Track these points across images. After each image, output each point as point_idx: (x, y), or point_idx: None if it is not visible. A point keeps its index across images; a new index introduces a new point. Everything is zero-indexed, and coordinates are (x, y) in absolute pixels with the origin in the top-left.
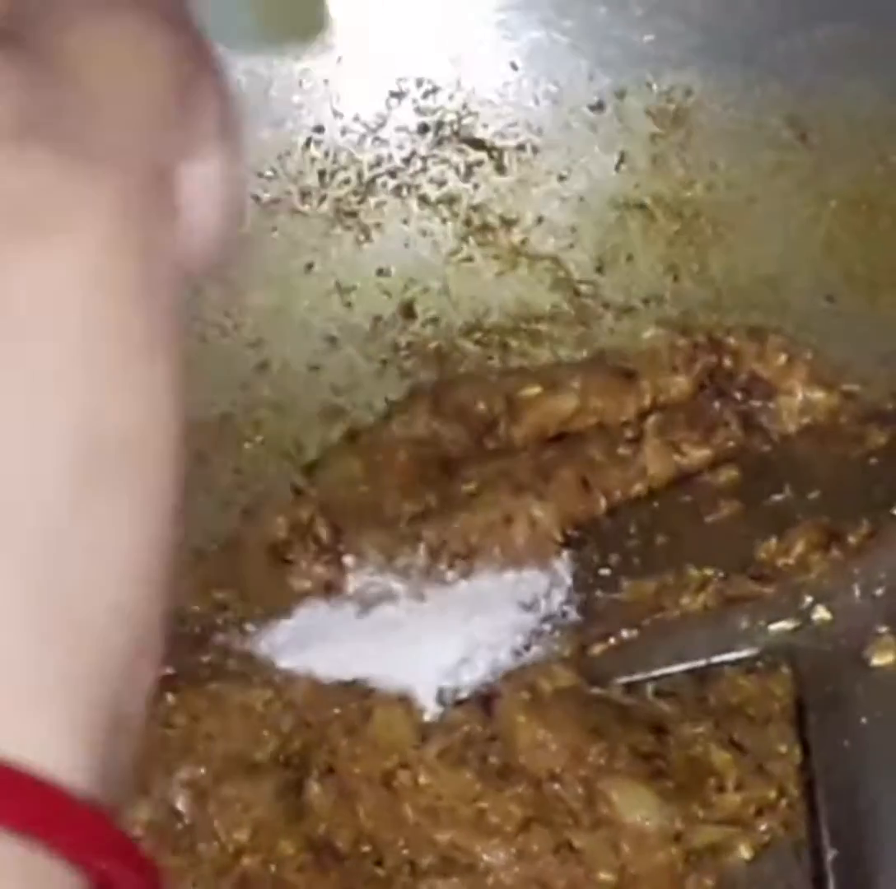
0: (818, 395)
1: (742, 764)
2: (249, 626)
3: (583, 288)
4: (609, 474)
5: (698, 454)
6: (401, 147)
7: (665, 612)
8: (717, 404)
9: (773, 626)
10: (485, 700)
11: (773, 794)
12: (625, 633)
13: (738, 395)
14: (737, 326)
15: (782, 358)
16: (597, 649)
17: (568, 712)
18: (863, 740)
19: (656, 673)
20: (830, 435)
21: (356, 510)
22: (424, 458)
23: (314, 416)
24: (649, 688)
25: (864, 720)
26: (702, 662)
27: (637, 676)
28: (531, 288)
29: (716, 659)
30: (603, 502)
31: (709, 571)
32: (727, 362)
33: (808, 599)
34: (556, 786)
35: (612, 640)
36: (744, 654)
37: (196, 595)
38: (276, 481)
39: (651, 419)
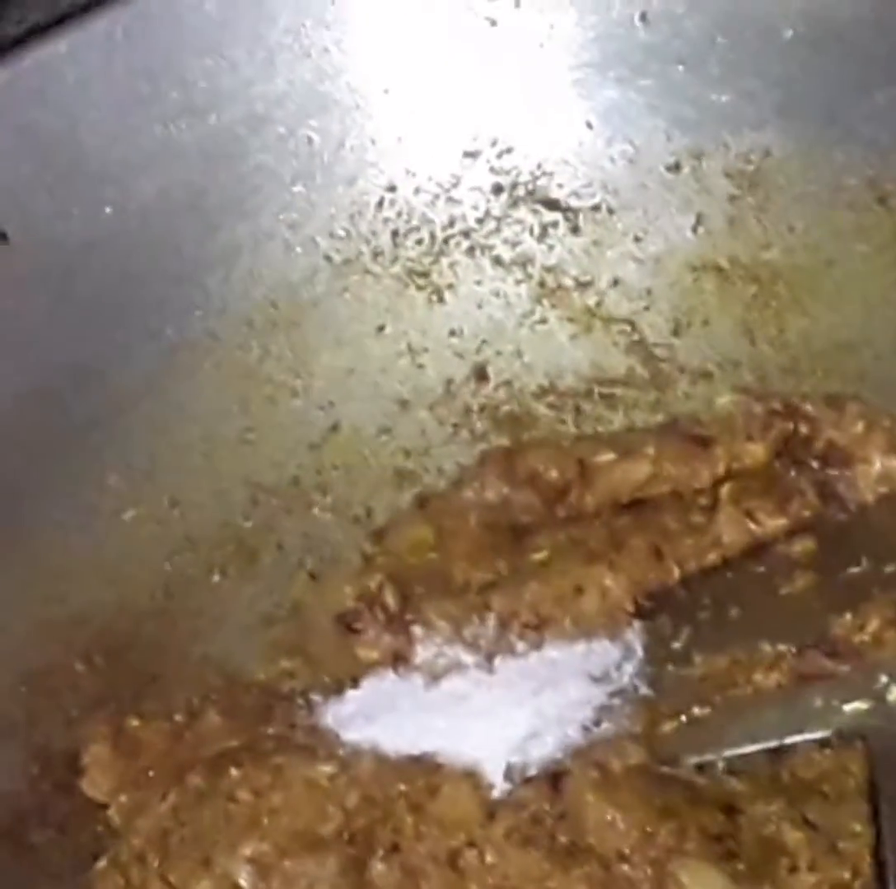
0: None
1: (815, 843)
2: (315, 697)
3: (658, 351)
4: (683, 543)
5: (773, 523)
6: (475, 207)
7: (737, 690)
8: (793, 472)
9: (848, 706)
10: (553, 778)
11: (847, 875)
12: (696, 711)
13: (815, 464)
14: (814, 393)
15: (860, 425)
16: (667, 727)
17: (638, 791)
18: None
19: (728, 753)
20: None
21: (425, 578)
22: (495, 524)
23: (384, 481)
24: (720, 764)
25: None
26: (774, 743)
27: (708, 756)
28: (605, 351)
29: (788, 739)
30: (676, 572)
31: (782, 647)
32: (804, 429)
33: (884, 679)
34: (625, 866)
35: (683, 718)
36: (817, 734)
37: (262, 663)
38: (345, 546)
39: (726, 487)
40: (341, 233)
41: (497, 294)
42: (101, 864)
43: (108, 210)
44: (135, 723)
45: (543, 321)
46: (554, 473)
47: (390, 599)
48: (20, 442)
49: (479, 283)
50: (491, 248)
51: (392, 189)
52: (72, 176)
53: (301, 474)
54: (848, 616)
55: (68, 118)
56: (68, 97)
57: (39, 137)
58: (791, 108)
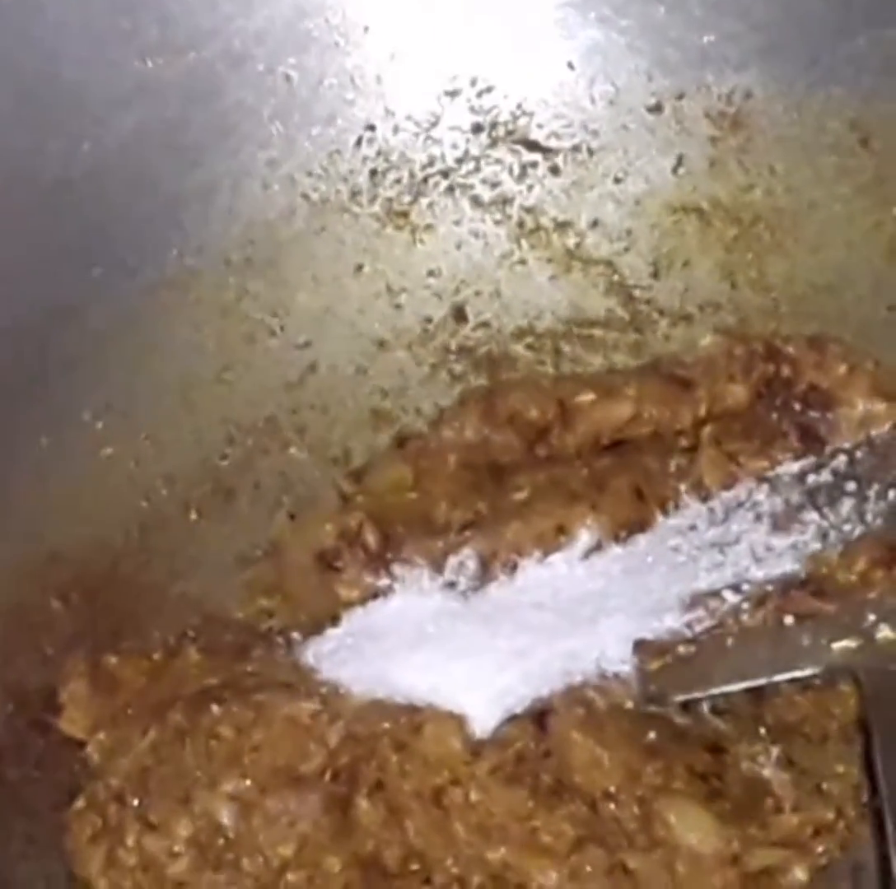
0: (879, 405)
1: (800, 784)
2: (295, 635)
3: (638, 293)
4: (664, 484)
5: (755, 465)
6: (454, 146)
7: (724, 629)
8: (774, 414)
9: (836, 645)
10: (539, 716)
11: (830, 816)
12: (682, 650)
13: (797, 406)
14: (796, 335)
15: (842, 368)
16: (654, 666)
17: (623, 730)
18: None
19: (714, 691)
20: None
21: (405, 518)
22: (475, 465)
23: (362, 421)
24: (705, 706)
25: None
26: (762, 681)
27: (695, 694)
28: (585, 292)
29: (776, 677)
30: (657, 513)
31: (769, 586)
32: (785, 371)
33: (872, 617)
34: (611, 805)
35: (668, 657)
36: (806, 672)
37: (240, 601)
38: (322, 486)
39: (707, 428)
40: (319, 171)
41: (476, 234)
42: (79, 803)
43: (85, 146)
44: (112, 660)
45: (522, 262)
46: (534, 413)
47: (370, 538)
48: None
49: (457, 223)
50: (470, 187)
51: (371, 128)
52: (49, 112)
53: (278, 414)
54: (835, 555)
55: (47, 54)
56: (47, 33)
57: (18, 73)
58: (773, 50)
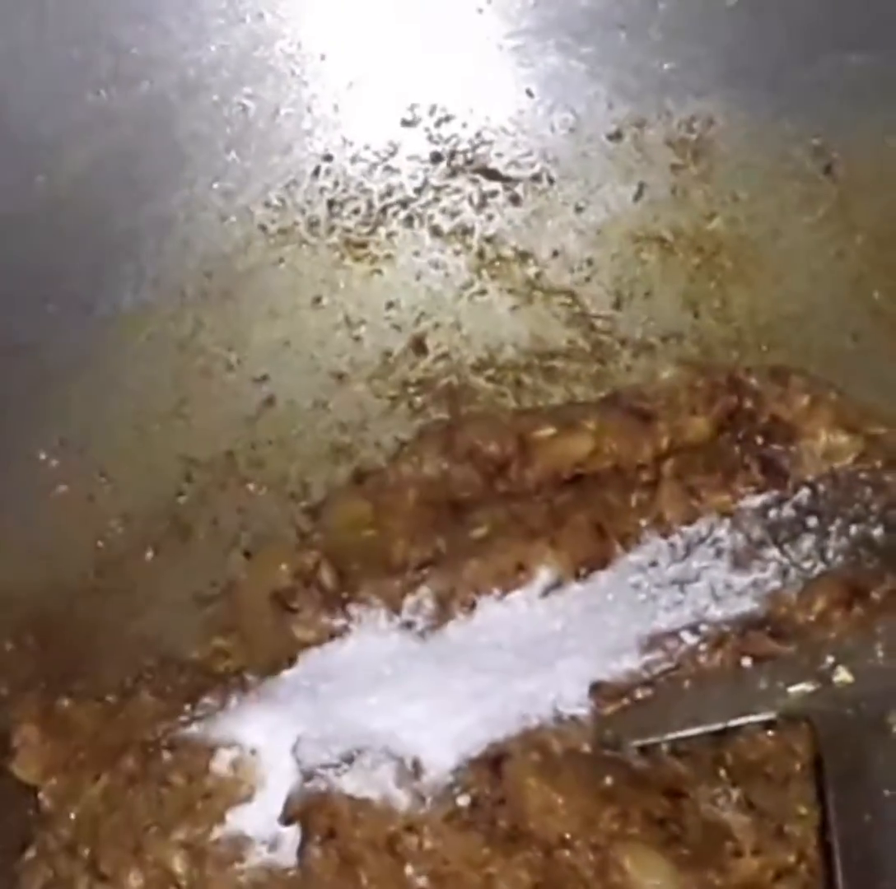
0: (842, 438)
1: (760, 827)
2: (250, 676)
3: (599, 324)
4: (625, 519)
5: (716, 499)
6: (413, 176)
7: (681, 671)
8: (736, 448)
9: (793, 688)
10: (494, 761)
11: (792, 859)
12: (639, 693)
13: (759, 439)
14: (758, 366)
15: (805, 399)
16: (610, 709)
17: (580, 775)
18: (884, 814)
19: (672, 735)
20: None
21: (362, 555)
22: (434, 500)
23: (320, 455)
24: (664, 747)
25: (886, 792)
26: (718, 725)
27: (651, 739)
28: (546, 323)
29: (733, 722)
30: (618, 548)
31: (726, 627)
32: (748, 404)
33: (830, 660)
34: (567, 852)
35: (625, 701)
36: (762, 717)
37: (196, 642)
38: (280, 522)
39: (668, 462)
40: (276, 202)
41: (435, 265)
42: (30, 854)
43: (39, 178)
44: (66, 703)
45: (483, 293)
46: (493, 448)
47: (327, 577)
48: None
49: (417, 253)
50: (429, 218)
51: (328, 158)
52: (2, 145)
53: (236, 449)
54: (794, 594)
55: None
56: None
57: None
58: (735, 75)
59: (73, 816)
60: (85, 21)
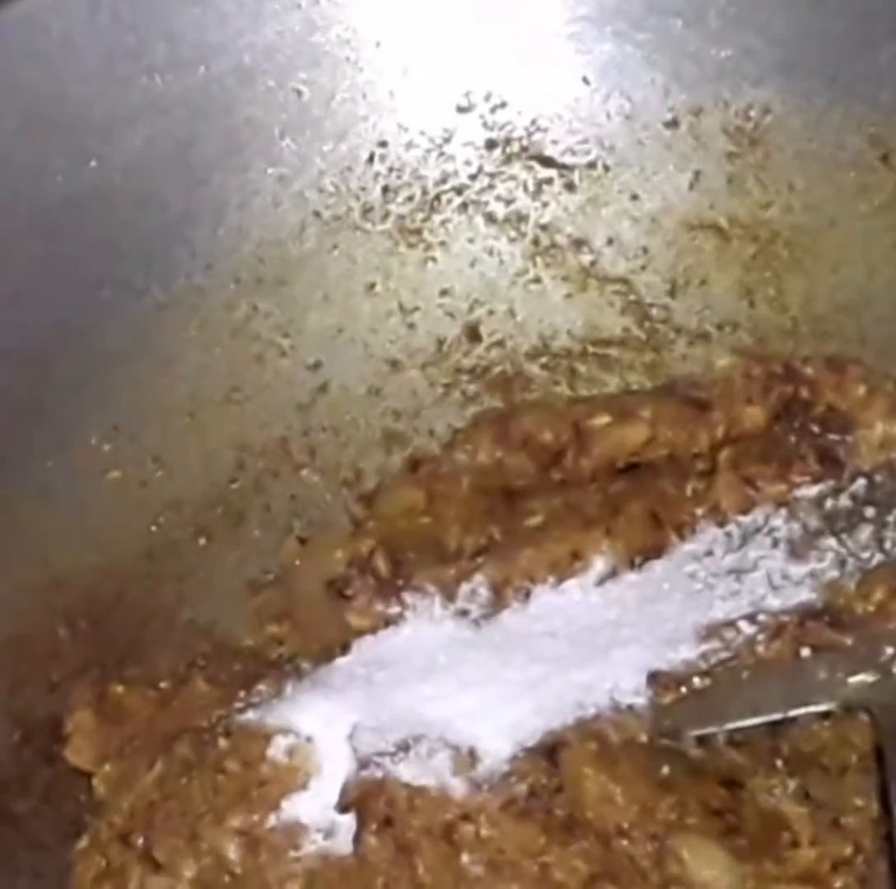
0: None
1: (817, 818)
2: (304, 663)
3: (654, 312)
4: (680, 508)
5: (773, 489)
6: (467, 163)
7: (739, 661)
8: (792, 437)
9: (852, 679)
10: (551, 750)
11: (848, 850)
12: (697, 683)
13: (815, 428)
14: (814, 356)
15: (861, 389)
16: (668, 699)
17: (637, 765)
18: None
19: (729, 726)
20: None
21: (417, 543)
22: (488, 489)
23: (374, 443)
24: (721, 737)
25: None
26: (777, 715)
27: (709, 729)
28: (601, 311)
29: (791, 712)
30: (673, 538)
31: (785, 618)
32: (804, 393)
33: (889, 651)
34: (624, 841)
35: (683, 690)
36: (821, 707)
37: (249, 628)
38: (334, 509)
39: (724, 452)
40: (331, 188)
41: (490, 252)
42: (83, 842)
43: (92, 164)
44: (119, 689)
45: (537, 280)
46: (548, 436)
47: (381, 565)
48: (2, 402)
49: (471, 240)
50: (484, 204)
51: (383, 144)
52: (56, 130)
53: (289, 435)
54: (852, 584)
55: (53, 71)
56: (53, 50)
57: (24, 91)
58: (792, 64)
59: (126, 804)
60: (139, 6)
